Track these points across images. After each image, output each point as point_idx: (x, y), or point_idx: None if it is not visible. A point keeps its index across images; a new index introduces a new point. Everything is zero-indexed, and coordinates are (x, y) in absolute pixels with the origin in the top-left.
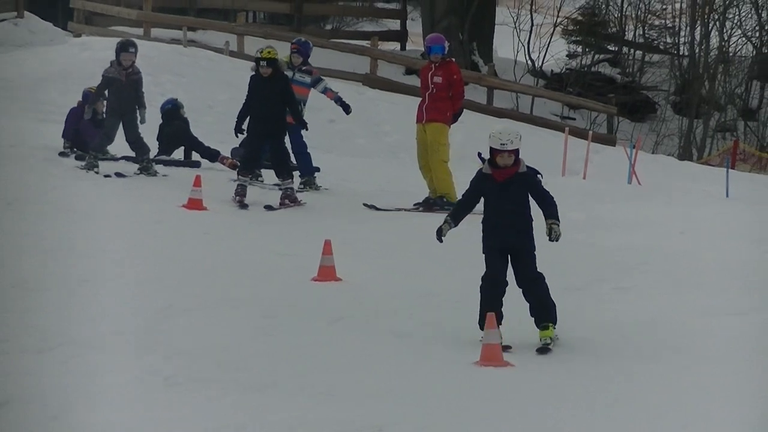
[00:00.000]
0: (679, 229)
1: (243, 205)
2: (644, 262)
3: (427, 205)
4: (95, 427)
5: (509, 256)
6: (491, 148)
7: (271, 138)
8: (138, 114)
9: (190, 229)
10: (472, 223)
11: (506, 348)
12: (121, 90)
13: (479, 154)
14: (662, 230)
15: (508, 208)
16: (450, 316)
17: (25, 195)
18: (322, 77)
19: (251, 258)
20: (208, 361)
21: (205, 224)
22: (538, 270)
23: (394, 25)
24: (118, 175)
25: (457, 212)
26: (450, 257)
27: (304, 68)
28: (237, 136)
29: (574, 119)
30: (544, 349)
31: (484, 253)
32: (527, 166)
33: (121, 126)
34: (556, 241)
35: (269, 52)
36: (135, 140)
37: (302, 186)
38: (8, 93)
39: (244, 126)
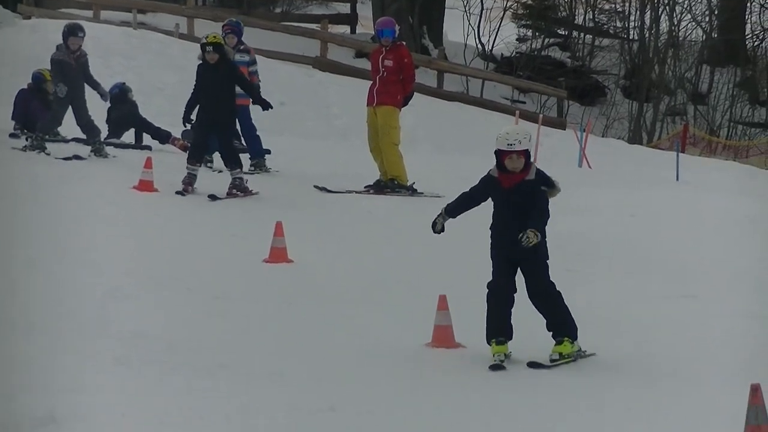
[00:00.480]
0: (630, 213)
1: (184, 192)
2: (594, 245)
3: (378, 188)
4: (47, 409)
5: (519, 267)
6: (498, 150)
7: (219, 126)
8: (99, 93)
9: (140, 211)
10: (424, 203)
11: (498, 367)
12: (70, 73)
13: None
14: (612, 214)
15: (513, 216)
16: (401, 297)
17: None
18: (256, 61)
19: (202, 239)
20: (160, 343)
21: (156, 206)
22: (551, 280)
23: (344, 8)
24: (77, 157)
25: (456, 207)
26: (401, 239)
27: (242, 47)
28: (185, 126)
29: (524, 103)
30: (549, 364)
31: (491, 259)
32: (538, 171)
33: (70, 109)
34: (526, 246)
35: (215, 37)
36: (86, 123)
37: (252, 168)
38: None
39: (193, 116)
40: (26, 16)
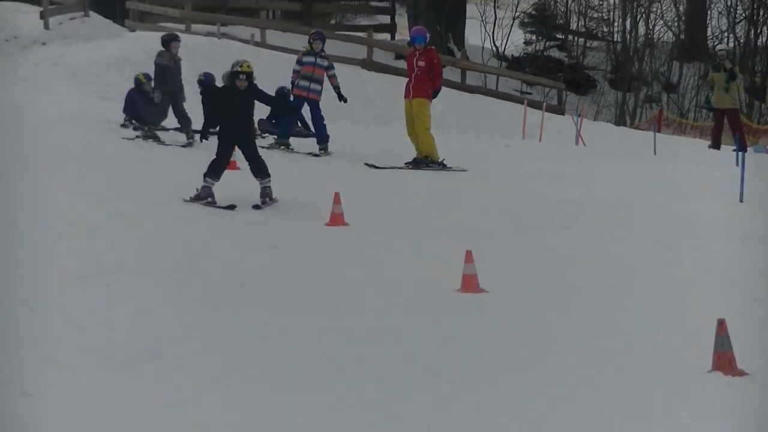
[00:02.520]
0: (616, 181)
1: (211, 203)
2: (588, 207)
3: (415, 164)
4: (155, 339)
5: None
6: None
7: (244, 142)
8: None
9: (220, 187)
10: (451, 175)
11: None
12: (172, 75)
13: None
14: (602, 182)
15: None
16: (435, 249)
17: (88, 155)
18: (334, 67)
19: (273, 210)
20: (239, 287)
21: (230, 183)
22: None
23: (385, 19)
24: (188, 145)
25: None
26: (435, 203)
27: (323, 54)
28: (202, 141)
29: (531, 94)
30: None
31: None
32: None
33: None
34: None
35: (248, 66)
36: (182, 114)
37: (322, 151)
38: (76, 76)
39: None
40: (132, 30)
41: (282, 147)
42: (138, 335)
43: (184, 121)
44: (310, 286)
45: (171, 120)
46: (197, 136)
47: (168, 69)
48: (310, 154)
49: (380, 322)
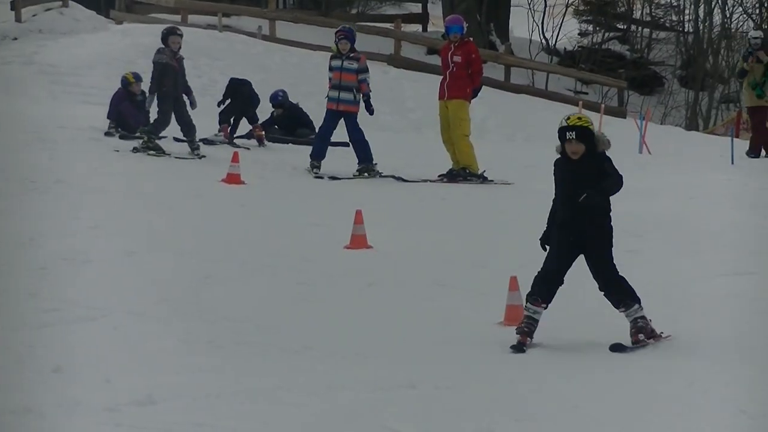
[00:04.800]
0: (688, 195)
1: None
2: (655, 226)
3: (451, 176)
4: (145, 389)
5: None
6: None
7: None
8: (190, 101)
9: (227, 202)
10: (494, 190)
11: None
12: (174, 75)
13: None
14: (672, 196)
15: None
16: (474, 278)
17: (73, 174)
18: (367, 69)
19: (286, 228)
20: (248, 326)
21: (242, 197)
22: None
23: (416, 8)
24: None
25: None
26: (473, 223)
27: (352, 54)
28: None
29: (587, 93)
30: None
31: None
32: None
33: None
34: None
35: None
36: (186, 121)
37: (357, 173)
38: (55, 78)
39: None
40: (118, 22)
41: (366, 174)
42: (140, 382)
43: (188, 128)
44: (328, 328)
45: (173, 129)
46: (201, 147)
47: (168, 67)
48: (353, 177)
49: (412, 369)
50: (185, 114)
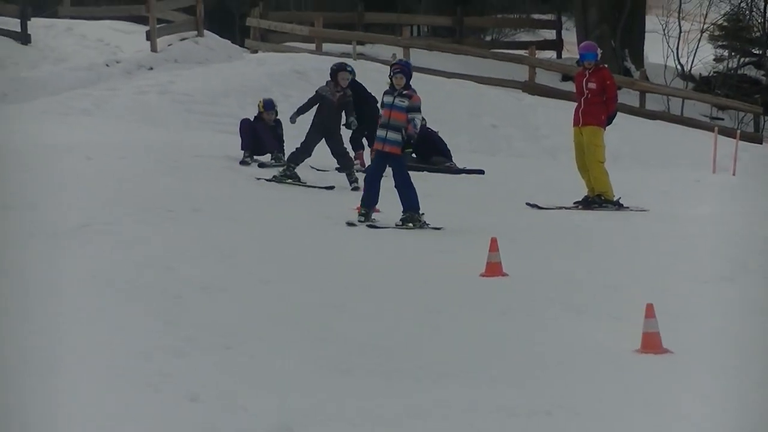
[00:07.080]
0: None
1: None
2: None
3: (586, 204)
4: (281, 416)
5: None
6: None
7: None
8: (347, 123)
9: (358, 232)
10: (630, 216)
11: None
12: (330, 109)
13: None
14: None
15: None
16: (610, 305)
17: (209, 202)
18: (419, 109)
19: (418, 256)
20: (380, 352)
21: (367, 229)
22: None
23: (550, 34)
24: (329, 188)
25: None
26: (608, 250)
27: (405, 92)
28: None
29: (722, 119)
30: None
31: None
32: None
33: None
34: None
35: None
36: (341, 153)
37: (401, 223)
38: (189, 106)
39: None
40: (253, 51)
41: (410, 224)
42: (276, 409)
43: (344, 161)
44: (467, 353)
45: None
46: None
47: (326, 100)
48: (396, 227)
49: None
50: (338, 146)
